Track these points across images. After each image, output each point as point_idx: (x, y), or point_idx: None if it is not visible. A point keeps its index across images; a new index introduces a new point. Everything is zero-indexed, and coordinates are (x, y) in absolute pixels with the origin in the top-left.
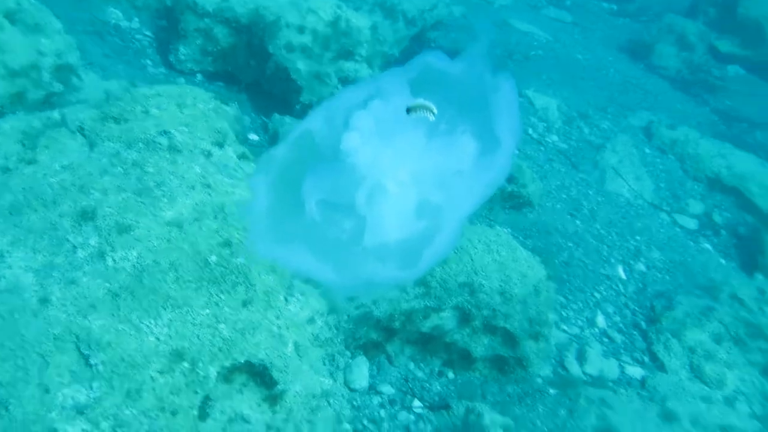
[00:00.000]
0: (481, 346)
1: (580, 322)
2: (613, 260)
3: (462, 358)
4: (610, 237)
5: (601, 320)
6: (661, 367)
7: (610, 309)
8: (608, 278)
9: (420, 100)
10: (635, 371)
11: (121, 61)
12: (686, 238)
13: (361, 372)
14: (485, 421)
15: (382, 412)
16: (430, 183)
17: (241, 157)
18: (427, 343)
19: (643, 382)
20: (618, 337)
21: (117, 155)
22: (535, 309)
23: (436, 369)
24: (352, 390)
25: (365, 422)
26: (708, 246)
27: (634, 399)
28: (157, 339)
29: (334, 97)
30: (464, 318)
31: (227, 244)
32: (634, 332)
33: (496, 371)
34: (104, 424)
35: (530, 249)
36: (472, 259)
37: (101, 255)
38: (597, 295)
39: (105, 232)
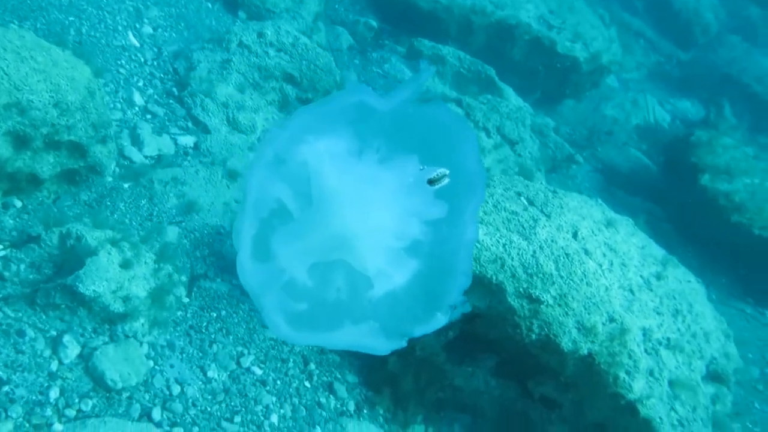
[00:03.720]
0: (47, 165)
1: (119, 105)
2: (120, 28)
3: (29, 183)
4: (106, 0)
5: (138, 97)
6: (205, 129)
7: (141, 83)
8: (124, 49)
9: (440, 170)
10: (187, 140)
11: None
12: None
13: None
14: (89, 241)
15: None
16: (410, 221)
17: None
18: None
19: (197, 148)
20: (159, 111)
21: None
22: (95, 112)
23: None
24: None
25: None
26: None
27: (199, 168)
28: None
29: (271, 142)
30: (21, 142)
31: None
32: (171, 101)
33: (67, 184)
34: None
35: (40, 35)
36: (6, 74)
37: None
38: (122, 70)
39: None
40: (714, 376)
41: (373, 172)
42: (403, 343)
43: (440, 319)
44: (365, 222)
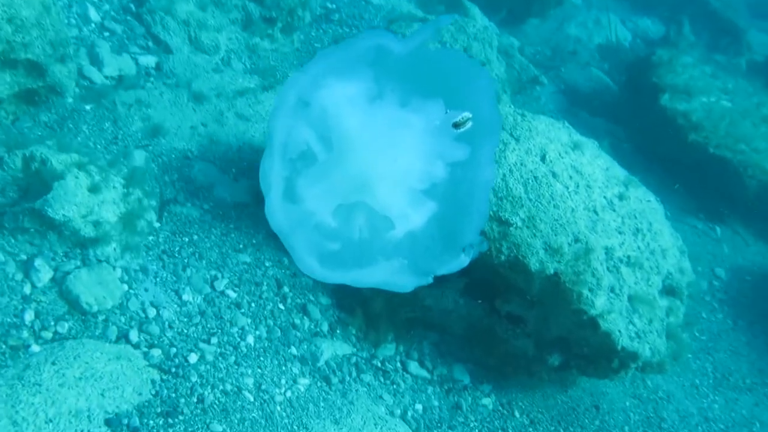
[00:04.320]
0: (4, 84)
1: (74, 21)
2: None
3: None
4: None
5: (93, 13)
6: (167, 48)
7: None
8: None
9: (465, 113)
10: (148, 60)
11: None
12: None
13: None
14: (54, 165)
15: None
16: (428, 161)
17: None
18: None
19: (160, 69)
20: (117, 28)
21: None
22: (52, 29)
23: None
24: None
25: None
26: None
27: (163, 90)
28: None
29: (294, 85)
30: None
31: None
32: (129, 18)
33: (25, 105)
34: None
35: None
36: None
37: None
38: None
39: None
40: (669, 290)
41: (397, 115)
42: (430, 280)
43: (464, 260)
44: (390, 163)
